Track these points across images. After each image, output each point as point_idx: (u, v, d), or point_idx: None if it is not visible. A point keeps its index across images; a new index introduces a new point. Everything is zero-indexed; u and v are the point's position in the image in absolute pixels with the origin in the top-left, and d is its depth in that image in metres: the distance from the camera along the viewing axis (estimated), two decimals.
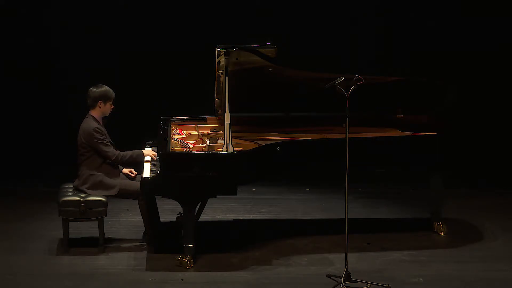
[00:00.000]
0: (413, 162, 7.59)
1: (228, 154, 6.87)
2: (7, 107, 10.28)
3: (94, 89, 7.30)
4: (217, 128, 7.86)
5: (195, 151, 7.27)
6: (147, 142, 7.77)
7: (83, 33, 10.17)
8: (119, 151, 7.30)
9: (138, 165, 7.38)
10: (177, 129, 7.83)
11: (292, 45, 9.55)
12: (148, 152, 7.39)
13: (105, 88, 7.31)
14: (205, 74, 7.92)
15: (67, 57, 10.22)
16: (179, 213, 7.61)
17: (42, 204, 8.52)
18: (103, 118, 7.36)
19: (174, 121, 7.93)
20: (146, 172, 7.15)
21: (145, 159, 7.35)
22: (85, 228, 7.59)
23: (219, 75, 7.40)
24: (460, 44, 10.30)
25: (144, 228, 7.45)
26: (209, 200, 7.30)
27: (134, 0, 10.21)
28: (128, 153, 7.32)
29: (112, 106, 7.34)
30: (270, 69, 7.35)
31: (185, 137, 7.71)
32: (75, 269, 6.82)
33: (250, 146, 7.29)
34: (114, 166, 7.33)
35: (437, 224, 7.77)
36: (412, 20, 10.27)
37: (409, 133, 7.73)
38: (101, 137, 7.22)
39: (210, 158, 6.96)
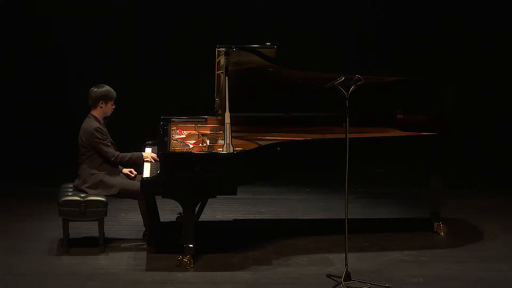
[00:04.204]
0: (413, 162, 7.59)
1: (228, 154, 6.87)
2: (7, 107, 10.29)
3: (95, 89, 7.30)
4: (217, 128, 7.86)
5: (195, 151, 7.27)
6: (147, 142, 7.77)
7: (84, 33, 10.18)
8: (119, 152, 7.30)
9: (138, 165, 7.38)
10: (177, 129, 7.83)
11: (292, 45, 9.55)
12: (148, 155, 7.39)
13: (106, 88, 7.31)
14: (205, 74, 7.92)
15: (68, 57, 10.22)
16: (179, 213, 7.61)
17: (42, 204, 8.51)
18: (105, 118, 7.36)
19: (174, 121, 7.93)
20: (146, 172, 7.16)
21: (144, 160, 7.36)
22: (85, 228, 7.59)
23: (219, 75, 7.40)
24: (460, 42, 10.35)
25: (144, 228, 7.45)
26: (209, 200, 7.30)
27: (135, 0, 10.22)
28: (128, 155, 7.32)
29: (113, 106, 7.34)
30: (270, 69, 7.35)
31: (185, 137, 7.71)
32: (75, 269, 6.82)
33: (250, 146, 7.29)
34: (114, 165, 7.33)
35: (437, 224, 7.77)
36: (412, 19, 10.29)
37: (409, 133, 7.73)
38: (102, 137, 7.21)
39: (210, 158, 6.96)
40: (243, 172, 6.92)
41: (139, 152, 7.41)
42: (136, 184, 7.16)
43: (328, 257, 7.17)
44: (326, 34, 10.19)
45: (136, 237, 7.61)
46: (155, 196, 7.36)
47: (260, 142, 7.37)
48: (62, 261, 7.03)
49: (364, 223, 8.21)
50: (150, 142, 7.78)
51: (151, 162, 7.32)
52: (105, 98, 7.28)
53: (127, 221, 8.14)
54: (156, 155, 7.36)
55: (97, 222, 7.18)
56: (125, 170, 7.45)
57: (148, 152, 7.46)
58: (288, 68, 7.39)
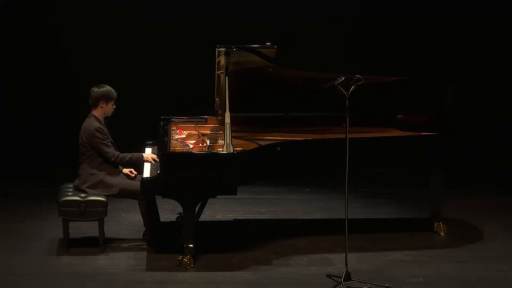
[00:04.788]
0: (413, 162, 7.59)
1: (228, 154, 6.87)
2: (7, 107, 10.29)
3: (96, 89, 7.30)
4: (217, 128, 7.86)
5: (195, 151, 7.27)
6: (147, 142, 7.77)
7: (84, 32, 10.18)
8: (119, 153, 7.30)
9: (138, 166, 7.38)
10: (177, 129, 7.83)
11: (292, 45, 9.55)
12: (148, 155, 7.38)
13: (107, 88, 7.31)
14: (205, 74, 7.92)
15: (68, 56, 10.22)
16: (179, 213, 7.61)
17: (42, 204, 8.51)
18: (105, 118, 7.36)
19: (174, 121, 7.93)
20: (146, 172, 7.16)
21: (144, 160, 7.36)
22: (85, 228, 7.59)
23: (219, 75, 7.40)
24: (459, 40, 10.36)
25: (144, 228, 7.45)
26: (209, 200, 7.30)
27: (135, 0, 10.22)
28: (128, 155, 7.32)
29: (114, 106, 7.34)
30: (270, 69, 7.35)
31: (185, 137, 7.72)
32: (75, 269, 6.82)
33: (250, 146, 7.29)
34: (114, 165, 7.33)
35: (437, 224, 7.77)
36: (411, 19, 10.30)
37: (409, 133, 7.73)
38: (102, 137, 7.22)
39: (210, 158, 6.96)
40: (243, 172, 6.92)
41: (139, 153, 7.40)
42: (136, 184, 7.16)
43: (328, 257, 7.17)
44: (326, 34, 10.18)
45: (136, 237, 7.60)
46: (155, 196, 7.36)
47: (260, 142, 7.37)
48: (62, 261, 7.03)
49: (364, 223, 8.21)
50: (150, 142, 7.78)
51: (151, 162, 7.32)
52: (106, 98, 7.28)
53: (127, 221, 8.14)
54: (156, 155, 7.36)
55: (97, 222, 7.18)
56: (125, 170, 7.45)
57: (148, 153, 7.46)
58: (288, 68, 7.39)
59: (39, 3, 10.17)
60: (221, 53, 7.14)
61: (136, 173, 7.45)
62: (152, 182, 6.90)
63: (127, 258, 7.06)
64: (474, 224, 8.14)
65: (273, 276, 6.75)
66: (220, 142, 7.46)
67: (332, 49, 10.08)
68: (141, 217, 7.40)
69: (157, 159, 7.28)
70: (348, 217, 6.59)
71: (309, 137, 7.57)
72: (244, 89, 7.46)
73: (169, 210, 8.12)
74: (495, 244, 7.58)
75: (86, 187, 7.24)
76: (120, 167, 7.41)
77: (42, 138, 10.16)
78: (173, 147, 7.37)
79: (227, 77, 7.11)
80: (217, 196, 6.99)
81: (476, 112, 10.07)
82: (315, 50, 10.06)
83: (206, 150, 7.30)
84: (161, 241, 7.34)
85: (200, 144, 7.46)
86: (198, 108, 8.15)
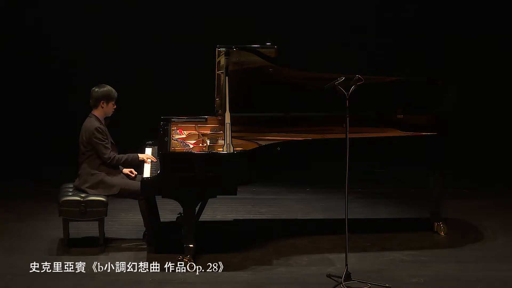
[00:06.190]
0: (413, 162, 7.59)
1: (228, 154, 6.87)
2: (7, 107, 10.29)
3: (96, 89, 7.30)
4: (217, 128, 7.86)
5: (195, 151, 7.27)
6: (147, 142, 7.78)
7: (84, 32, 10.18)
8: (115, 154, 7.29)
9: (133, 166, 7.38)
10: (177, 129, 7.83)
11: (293, 45, 9.54)
12: (143, 156, 7.38)
13: (108, 88, 7.31)
14: (205, 74, 7.92)
15: (68, 57, 10.23)
16: (179, 213, 7.62)
17: (42, 204, 8.51)
18: (106, 118, 7.36)
19: (174, 121, 7.93)
20: (146, 172, 7.16)
21: (144, 161, 7.36)
22: (85, 228, 7.59)
23: (219, 75, 7.40)
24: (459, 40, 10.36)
25: (144, 228, 7.45)
26: (209, 200, 7.30)
27: (135, 1, 10.22)
28: (124, 157, 7.32)
29: (115, 106, 7.34)
30: (270, 69, 7.35)
31: (185, 137, 7.72)
32: (75, 269, 6.81)
33: (250, 146, 7.29)
34: (114, 166, 7.33)
35: (437, 224, 7.77)
36: (411, 18, 10.30)
37: (409, 133, 7.73)
38: (102, 137, 7.21)
39: (210, 158, 6.96)
40: (243, 172, 6.92)
41: (135, 154, 7.39)
42: (137, 184, 7.16)
43: (328, 257, 7.17)
44: (327, 33, 10.18)
45: (136, 237, 7.60)
46: (155, 196, 7.36)
47: (260, 142, 7.37)
48: (62, 261, 7.02)
49: (364, 223, 8.21)
50: (150, 142, 7.78)
51: (151, 161, 7.32)
52: (107, 98, 7.28)
53: (127, 221, 8.14)
54: (151, 155, 7.37)
55: (97, 222, 7.18)
56: (126, 170, 7.45)
57: (144, 154, 7.45)
58: (288, 68, 7.39)
59: (39, 2, 10.16)
60: (221, 53, 7.14)
61: (136, 173, 7.45)
62: (152, 182, 6.90)
63: (127, 258, 7.05)
64: (474, 224, 8.14)
65: (274, 276, 6.75)
66: (220, 142, 7.46)
67: (332, 49, 10.07)
68: (141, 217, 7.40)
69: (153, 159, 7.30)
70: (348, 217, 6.59)
71: (309, 137, 7.57)
72: (244, 89, 7.45)
73: (169, 210, 8.12)
74: (495, 244, 7.58)
75: (86, 187, 7.24)
76: (120, 167, 7.41)
77: (42, 138, 10.16)
78: (173, 147, 7.37)
79: (227, 77, 7.11)
80: (217, 196, 6.99)
81: (476, 112, 10.06)
82: (315, 50, 10.05)
83: (206, 150, 7.30)
84: (161, 241, 7.34)
85: (200, 144, 7.46)
86: (198, 108, 8.15)
